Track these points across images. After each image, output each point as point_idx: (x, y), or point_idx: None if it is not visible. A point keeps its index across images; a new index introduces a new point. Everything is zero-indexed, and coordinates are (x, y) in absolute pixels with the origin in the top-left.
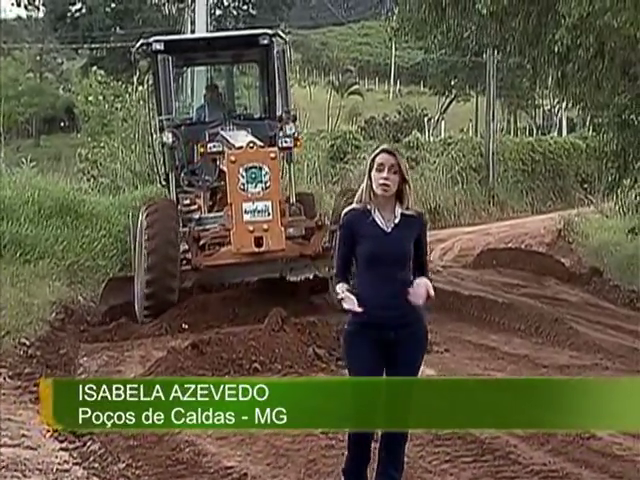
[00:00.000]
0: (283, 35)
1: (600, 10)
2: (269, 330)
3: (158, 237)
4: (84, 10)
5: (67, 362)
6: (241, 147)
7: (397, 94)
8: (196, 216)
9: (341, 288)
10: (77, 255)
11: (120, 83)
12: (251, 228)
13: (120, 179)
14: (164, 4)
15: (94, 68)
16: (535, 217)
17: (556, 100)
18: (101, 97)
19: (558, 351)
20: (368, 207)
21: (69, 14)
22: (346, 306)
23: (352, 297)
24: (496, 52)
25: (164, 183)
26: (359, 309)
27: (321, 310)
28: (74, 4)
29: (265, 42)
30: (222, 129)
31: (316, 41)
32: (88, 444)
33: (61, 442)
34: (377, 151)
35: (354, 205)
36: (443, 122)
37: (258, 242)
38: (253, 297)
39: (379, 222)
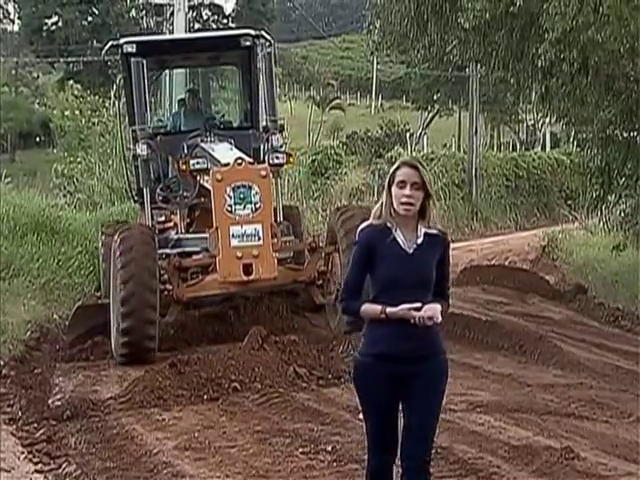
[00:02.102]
0: (267, 36)
1: (584, 25)
2: (249, 349)
3: (133, 281)
4: (60, 23)
5: (42, 382)
6: (228, 164)
7: (379, 109)
8: (174, 236)
9: (377, 307)
10: (53, 273)
11: (97, 97)
12: (239, 254)
13: (97, 195)
14: (142, 17)
15: (70, 82)
16: (519, 233)
17: (540, 115)
18: (77, 112)
19: (542, 369)
20: (388, 225)
21: (45, 27)
22: (418, 313)
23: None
24: (479, 66)
25: (137, 198)
26: (416, 311)
27: (302, 328)
28: (50, 17)
29: (247, 44)
30: (202, 140)
31: (297, 55)
32: (64, 466)
33: (36, 464)
34: (397, 164)
35: (372, 221)
36: (425, 137)
37: (247, 270)
38: (233, 315)
39: (400, 242)
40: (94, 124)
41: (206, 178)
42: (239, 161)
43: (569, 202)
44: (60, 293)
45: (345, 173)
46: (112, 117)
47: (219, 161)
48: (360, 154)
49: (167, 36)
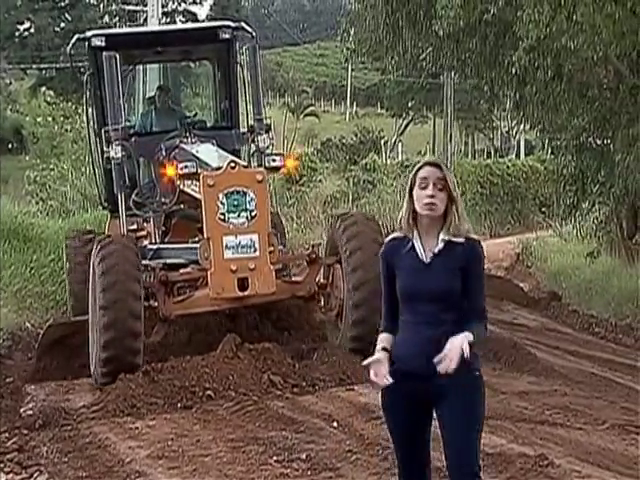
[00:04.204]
0: (248, 29)
1: (557, 32)
2: (223, 357)
3: (116, 289)
4: (32, 30)
5: (14, 391)
6: (220, 168)
7: (354, 116)
8: (150, 246)
9: (379, 344)
10: (25, 280)
11: (70, 104)
12: (234, 267)
13: (70, 202)
14: (115, 24)
15: (43, 89)
16: (493, 240)
17: (514, 122)
18: (50, 118)
19: (517, 377)
20: (409, 234)
21: (17, 34)
22: (372, 377)
23: (382, 359)
24: (453, 74)
25: (106, 205)
26: (386, 382)
27: (276, 336)
28: (22, 23)
29: (226, 36)
30: (181, 142)
31: (271, 62)
32: (35, 475)
33: (7, 473)
34: (419, 165)
35: (396, 233)
36: (400, 144)
37: (242, 284)
38: (207, 322)
39: (418, 251)
40: (67, 131)
41: (187, 182)
42: (232, 164)
43: (543, 209)
44: (32, 301)
45: (320, 180)
46: (85, 123)
47: (208, 164)
48: (335, 161)
49: (139, 28)
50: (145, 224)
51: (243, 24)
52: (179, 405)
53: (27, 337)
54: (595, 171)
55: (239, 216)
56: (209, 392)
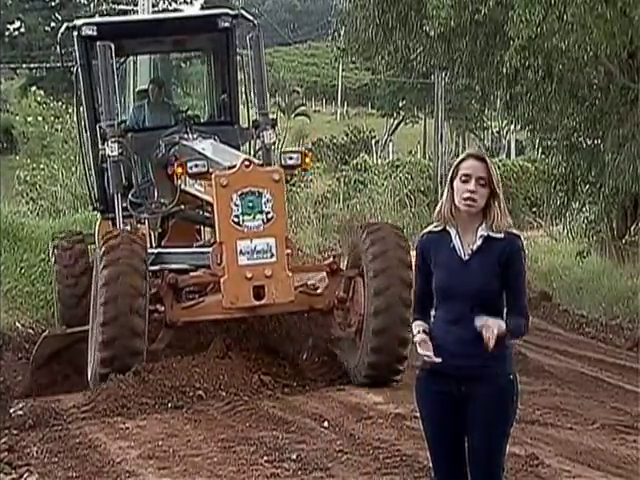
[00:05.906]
0: (250, 17)
1: (548, 32)
2: (213, 357)
3: (117, 302)
4: (23, 29)
5: (4, 391)
6: (232, 166)
7: (344, 115)
8: (151, 249)
9: (417, 327)
10: (16, 280)
11: (60, 103)
12: (249, 275)
13: (60, 202)
14: None
15: (33, 88)
16: None
17: (505, 122)
18: (40, 118)
19: None
20: (447, 228)
21: (7, 33)
22: (420, 351)
23: (429, 341)
24: (444, 73)
25: (98, 205)
26: (437, 359)
27: (268, 336)
28: (12, 23)
29: (226, 25)
30: (182, 138)
31: None
32: (25, 475)
33: None
34: (463, 156)
35: (432, 226)
36: (391, 144)
37: (258, 293)
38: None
39: (457, 247)
40: (57, 130)
41: (190, 182)
42: (247, 163)
43: (534, 209)
44: (23, 301)
45: (311, 180)
46: (75, 120)
47: (219, 163)
48: (326, 161)
49: (132, 17)
50: (139, 225)
51: (243, 12)
52: (170, 405)
53: (17, 337)
54: (585, 171)
55: (254, 219)
56: (200, 392)
